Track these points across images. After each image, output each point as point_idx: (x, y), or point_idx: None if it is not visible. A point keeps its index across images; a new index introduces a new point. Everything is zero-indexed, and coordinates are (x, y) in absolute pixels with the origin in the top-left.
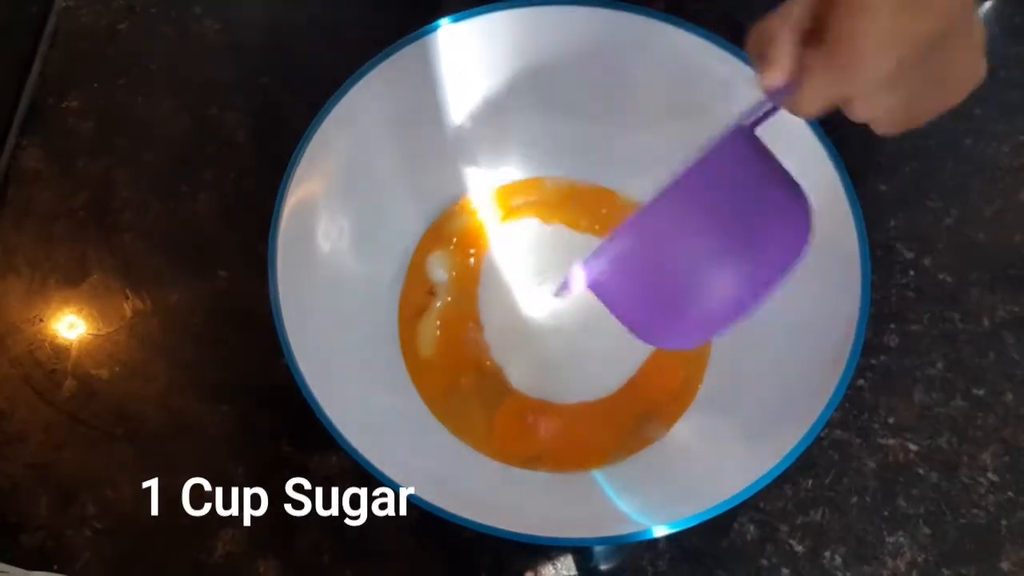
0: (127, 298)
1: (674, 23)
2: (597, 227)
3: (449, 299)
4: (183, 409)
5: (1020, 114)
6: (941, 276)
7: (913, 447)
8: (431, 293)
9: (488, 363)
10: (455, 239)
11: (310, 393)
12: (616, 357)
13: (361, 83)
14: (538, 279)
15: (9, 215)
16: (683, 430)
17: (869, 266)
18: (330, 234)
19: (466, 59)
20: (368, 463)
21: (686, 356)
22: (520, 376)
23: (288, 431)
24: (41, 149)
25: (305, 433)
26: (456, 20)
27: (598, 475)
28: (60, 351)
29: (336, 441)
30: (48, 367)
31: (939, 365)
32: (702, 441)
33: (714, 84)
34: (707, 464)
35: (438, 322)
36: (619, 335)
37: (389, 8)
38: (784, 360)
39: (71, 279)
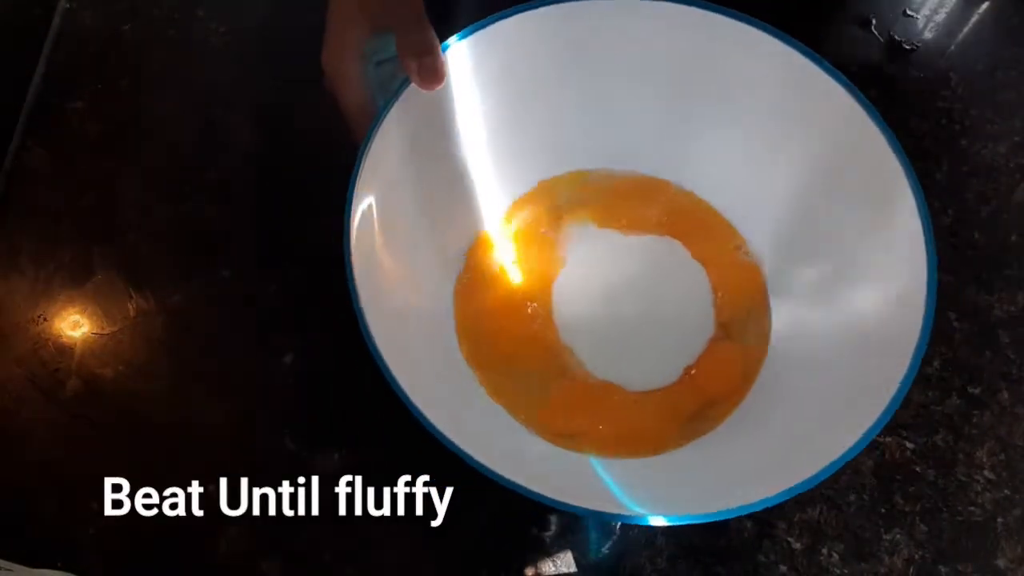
0: (131, 297)
1: (712, 9)
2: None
3: (513, 279)
4: (186, 408)
5: (1016, 115)
6: (938, 275)
7: (910, 445)
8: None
9: (552, 342)
10: (519, 228)
11: (391, 374)
12: (675, 347)
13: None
14: (609, 278)
15: (14, 215)
16: (731, 427)
17: (935, 285)
18: (402, 212)
19: (513, 56)
20: (449, 441)
21: (745, 350)
22: (584, 358)
23: (290, 430)
24: (45, 149)
25: (307, 432)
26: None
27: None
28: (64, 350)
29: (415, 417)
30: (52, 366)
31: (935, 364)
32: (747, 438)
33: (732, 60)
34: (745, 462)
35: (498, 298)
36: (679, 324)
37: None
38: (836, 368)
39: (75, 278)
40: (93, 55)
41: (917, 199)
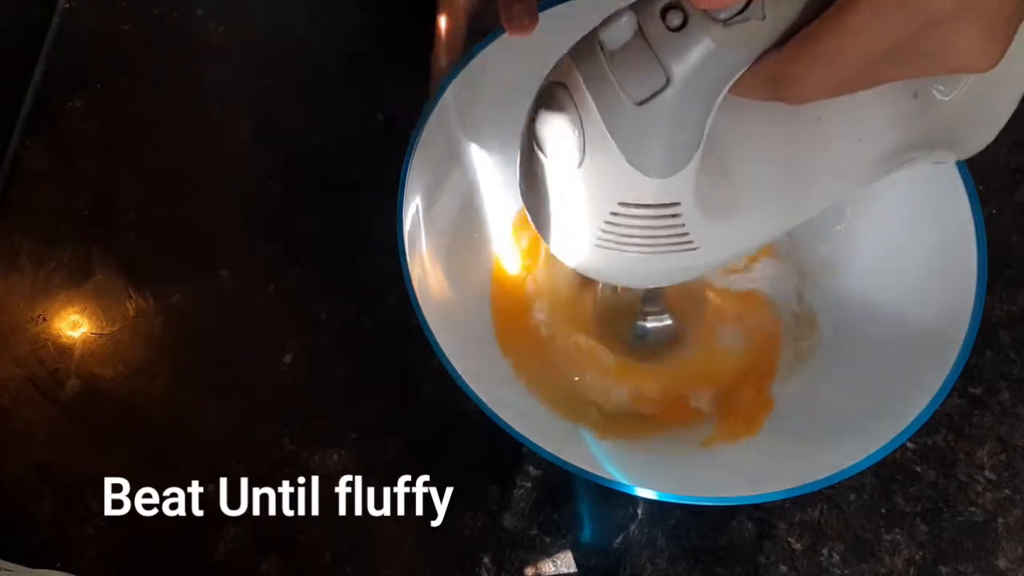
0: (130, 297)
1: None
2: None
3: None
4: (185, 408)
5: (1016, 114)
6: None
7: (910, 445)
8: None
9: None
10: None
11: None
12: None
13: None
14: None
15: (13, 214)
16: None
17: (984, 289)
18: (446, 196)
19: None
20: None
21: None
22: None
23: (289, 430)
24: (45, 149)
25: (307, 432)
26: None
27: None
28: (63, 350)
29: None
30: (51, 366)
31: None
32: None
33: None
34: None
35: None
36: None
37: (390, 9)
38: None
39: (74, 278)
40: (93, 54)
41: (969, 190)
